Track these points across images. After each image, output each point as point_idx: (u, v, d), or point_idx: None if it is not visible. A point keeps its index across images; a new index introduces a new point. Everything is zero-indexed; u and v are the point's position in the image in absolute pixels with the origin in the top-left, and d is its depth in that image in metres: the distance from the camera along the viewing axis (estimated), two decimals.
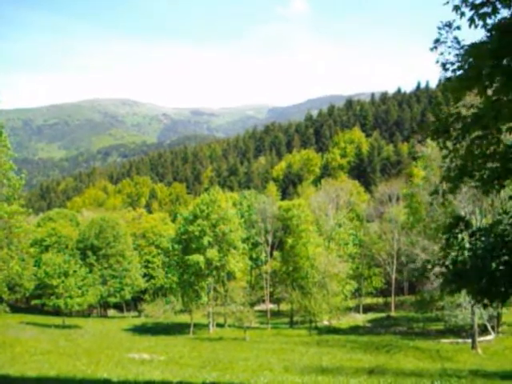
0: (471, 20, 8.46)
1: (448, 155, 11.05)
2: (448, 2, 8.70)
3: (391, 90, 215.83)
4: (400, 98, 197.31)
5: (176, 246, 73.72)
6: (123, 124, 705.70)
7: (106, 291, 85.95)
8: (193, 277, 69.73)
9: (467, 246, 12.89)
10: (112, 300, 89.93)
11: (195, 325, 69.83)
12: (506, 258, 12.02)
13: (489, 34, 8.54)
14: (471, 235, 12.73)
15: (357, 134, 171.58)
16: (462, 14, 8.59)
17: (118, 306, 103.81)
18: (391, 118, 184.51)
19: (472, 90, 9.63)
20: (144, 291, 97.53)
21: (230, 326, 72.47)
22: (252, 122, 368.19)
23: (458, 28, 9.08)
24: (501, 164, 10.41)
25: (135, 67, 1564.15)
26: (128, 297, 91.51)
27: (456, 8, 8.50)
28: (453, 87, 9.56)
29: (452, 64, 9.18)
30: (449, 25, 9.08)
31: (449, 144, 10.82)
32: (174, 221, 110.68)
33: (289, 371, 33.06)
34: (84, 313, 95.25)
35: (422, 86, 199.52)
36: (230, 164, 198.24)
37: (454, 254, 13.18)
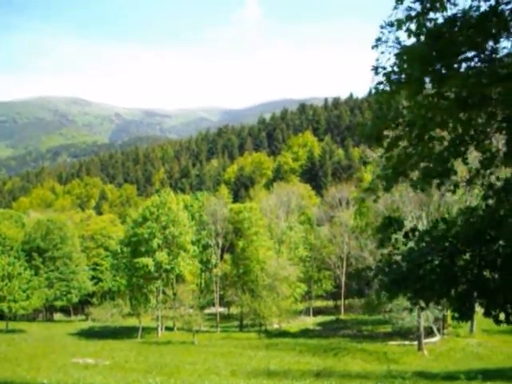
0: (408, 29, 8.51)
1: (384, 154, 11.11)
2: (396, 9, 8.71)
3: (344, 96, 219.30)
4: (352, 104, 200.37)
5: (125, 249, 72.55)
6: (74, 123, 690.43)
7: (52, 294, 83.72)
8: (141, 280, 68.86)
9: (401, 247, 13.00)
10: (58, 303, 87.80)
11: (143, 328, 68.85)
12: (439, 261, 12.22)
13: (421, 39, 8.57)
14: (405, 236, 12.82)
15: (309, 138, 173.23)
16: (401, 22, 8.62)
17: (64, 310, 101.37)
18: (343, 122, 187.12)
19: (402, 95, 9.67)
20: (92, 294, 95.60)
21: (178, 329, 71.70)
22: (205, 124, 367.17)
23: (400, 28, 9.07)
24: (436, 164, 10.51)
25: (87, 66, 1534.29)
26: (75, 300, 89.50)
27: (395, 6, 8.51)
28: (384, 92, 9.58)
29: (384, 68, 9.18)
30: (391, 24, 9.06)
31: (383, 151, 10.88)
32: (123, 223, 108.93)
33: (236, 375, 32.91)
34: (29, 317, 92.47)
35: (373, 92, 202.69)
36: (182, 166, 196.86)
37: (387, 252, 13.30)
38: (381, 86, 9.44)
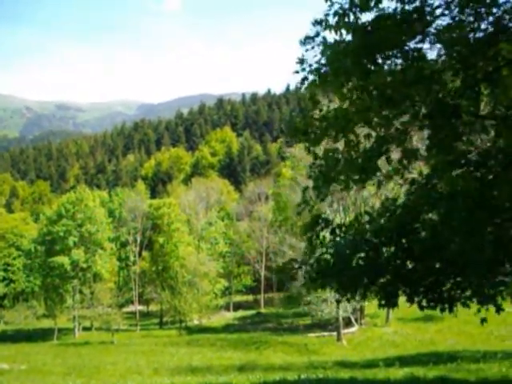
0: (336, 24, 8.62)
1: (314, 164, 11.29)
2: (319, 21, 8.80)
3: (261, 91, 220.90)
4: (270, 99, 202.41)
5: (39, 248, 69.88)
6: None
7: None
8: (57, 279, 66.55)
9: (329, 243, 13.26)
10: None
11: (60, 330, 66.61)
12: (364, 253, 12.54)
13: (349, 36, 8.71)
14: (331, 232, 13.07)
15: (227, 133, 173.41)
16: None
17: None
18: (261, 118, 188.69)
19: (327, 91, 9.80)
20: (3, 296, 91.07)
21: (97, 329, 69.84)
22: (121, 118, 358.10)
23: (329, 27, 9.17)
24: (361, 163, 10.75)
25: None
26: None
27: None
28: (309, 85, 9.68)
29: (310, 65, 9.27)
30: (319, 22, 9.14)
31: (308, 144, 11.00)
32: (36, 221, 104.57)
33: (158, 373, 32.59)
34: None
35: (292, 87, 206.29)
36: (98, 161, 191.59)
37: (318, 251, 13.53)
38: (308, 79, 9.50)
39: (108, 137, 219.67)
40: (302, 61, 9.36)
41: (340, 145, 10.74)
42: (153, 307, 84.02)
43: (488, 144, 10.72)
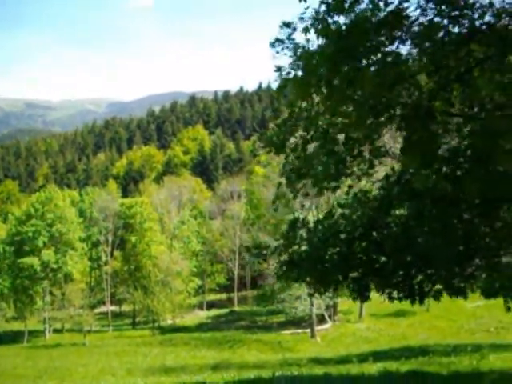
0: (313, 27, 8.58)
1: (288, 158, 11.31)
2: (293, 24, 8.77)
3: (234, 89, 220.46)
4: (242, 97, 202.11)
5: (7, 249, 68.59)
6: None
7: None
8: (27, 281, 65.49)
9: (303, 241, 13.36)
10: None
11: (30, 332, 65.62)
12: (337, 248, 12.65)
13: (324, 40, 8.68)
14: (308, 232, 13.17)
15: (200, 131, 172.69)
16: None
17: None
18: (234, 116, 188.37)
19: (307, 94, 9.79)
20: None
21: (68, 331, 68.90)
22: (91, 117, 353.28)
23: (295, 29, 9.16)
24: (334, 163, 10.79)
25: None
26: None
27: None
28: (290, 90, 9.68)
29: (288, 67, 9.26)
30: (287, 24, 9.13)
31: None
32: (5, 221, 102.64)
33: (132, 374, 32.37)
34: None
35: (264, 85, 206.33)
36: (68, 160, 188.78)
37: (294, 247, 13.62)
38: (286, 87, 9.51)
39: (78, 135, 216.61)
40: (279, 68, 9.35)
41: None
42: (125, 307, 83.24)
43: (456, 141, 10.85)
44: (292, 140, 10.68)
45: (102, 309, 79.53)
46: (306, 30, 8.62)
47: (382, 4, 7.98)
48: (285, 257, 13.49)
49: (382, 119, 9.16)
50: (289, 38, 9.18)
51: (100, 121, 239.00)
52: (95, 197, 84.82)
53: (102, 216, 77.30)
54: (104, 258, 78.54)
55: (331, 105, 9.02)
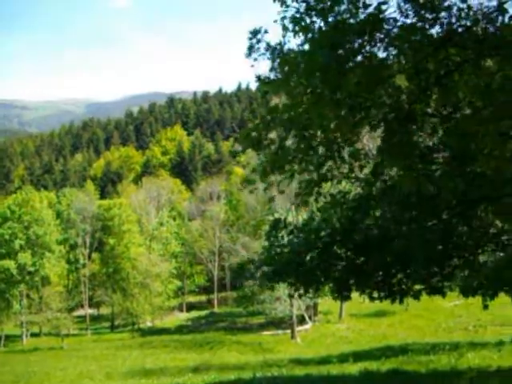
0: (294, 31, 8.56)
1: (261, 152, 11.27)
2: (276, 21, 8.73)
3: (213, 90, 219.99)
4: (221, 98, 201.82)
5: None
6: None
7: None
8: (3, 284, 64.51)
9: (285, 242, 13.41)
10: None
11: (7, 337, 64.74)
12: (318, 249, 12.70)
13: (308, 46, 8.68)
14: (289, 233, 13.22)
15: (178, 131, 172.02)
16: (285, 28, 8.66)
17: None
18: (213, 116, 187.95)
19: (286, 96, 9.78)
20: None
21: (46, 334, 68.06)
22: (69, 117, 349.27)
23: (266, 31, 9.16)
24: (315, 166, 10.80)
25: None
26: None
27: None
28: (272, 90, 9.67)
29: (268, 78, 9.25)
30: (256, 32, 9.13)
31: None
32: None
33: (111, 377, 32.10)
34: None
35: (243, 86, 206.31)
36: (45, 161, 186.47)
37: (274, 250, 13.66)
38: (269, 93, 9.52)
39: (55, 136, 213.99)
40: (258, 78, 9.34)
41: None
42: (104, 310, 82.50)
43: (432, 141, 10.94)
44: (270, 135, 10.64)
45: (80, 312, 78.79)
46: (284, 29, 8.60)
47: (361, 6, 8.01)
48: (268, 268, 13.51)
49: (362, 120, 9.19)
50: (264, 43, 9.16)
51: (78, 121, 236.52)
52: (73, 198, 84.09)
53: (80, 218, 76.62)
54: (82, 261, 77.83)
55: (313, 107, 9.01)
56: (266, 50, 9.12)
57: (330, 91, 8.48)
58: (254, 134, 10.36)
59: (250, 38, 9.10)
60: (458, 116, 9.31)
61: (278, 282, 14.07)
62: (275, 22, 8.68)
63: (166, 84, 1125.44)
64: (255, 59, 9.23)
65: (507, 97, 7.93)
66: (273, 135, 10.65)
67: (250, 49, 9.23)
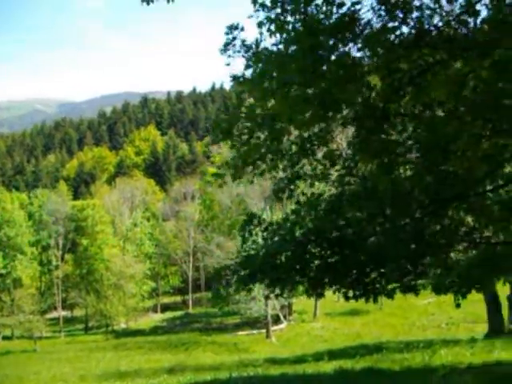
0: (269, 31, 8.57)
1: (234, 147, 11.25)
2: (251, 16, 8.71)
3: (187, 90, 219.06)
4: (195, 98, 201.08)
5: None
6: None
7: None
8: None
9: (260, 241, 13.43)
10: None
11: None
12: (292, 249, 12.75)
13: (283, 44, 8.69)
14: (264, 230, 13.22)
15: (152, 132, 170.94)
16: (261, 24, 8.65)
17: None
18: (187, 116, 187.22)
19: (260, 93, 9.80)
20: None
21: (18, 337, 67.06)
22: (41, 117, 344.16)
23: (242, 29, 9.16)
24: (288, 165, 10.84)
25: None
26: None
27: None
28: (246, 88, 9.67)
29: (243, 76, 9.25)
30: (233, 28, 9.11)
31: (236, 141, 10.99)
32: None
33: (85, 380, 31.81)
34: None
35: (217, 86, 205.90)
36: (16, 162, 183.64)
37: (248, 252, 13.66)
38: (244, 92, 9.52)
39: (27, 136, 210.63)
40: (234, 77, 9.34)
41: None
42: (77, 312, 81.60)
43: (402, 138, 11.01)
44: (240, 125, 10.59)
45: (54, 314, 77.83)
46: (260, 25, 8.59)
47: (335, 6, 8.04)
48: (244, 272, 13.51)
49: (333, 116, 9.24)
50: (239, 40, 9.14)
51: (50, 121, 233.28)
52: (45, 199, 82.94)
53: (53, 219, 75.68)
54: (54, 262, 76.85)
55: (283, 101, 9.03)
56: (241, 47, 9.11)
57: (302, 88, 8.52)
58: (224, 124, 10.35)
59: (227, 33, 9.06)
60: (430, 116, 9.42)
61: (253, 285, 14.09)
62: (250, 17, 8.66)
63: (139, 84, 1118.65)
64: (229, 56, 9.22)
65: (480, 98, 8.05)
66: (243, 126, 10.61)
67: (226, 45, 9.21)
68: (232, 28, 9.10)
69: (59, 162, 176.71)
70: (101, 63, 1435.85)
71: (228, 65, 9.31)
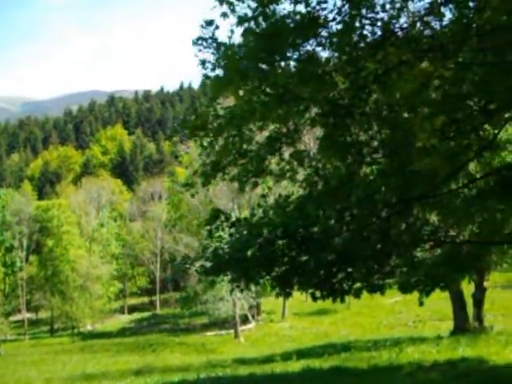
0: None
1: (204, 151, 11.22)
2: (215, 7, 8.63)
3: (155, 89, 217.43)
4: (163, 97, 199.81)
5: None
6: None
7: None
8: None
9: (226, 237, 13.40)
10: None
11: None
12: (259, 246, 12.75)
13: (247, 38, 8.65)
14: (231, 226, 13.20)
15: (119, 131, 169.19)
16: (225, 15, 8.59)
17: None
18: (154, 116, 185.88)
19: (227, 90, 9.76)
20: None
21: None
22: (4, 116, 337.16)
23: (217, 27, 9.10)
24: (254, 161, 10.82)
25: None
26: None
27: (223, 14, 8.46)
28: (211, 85, 9.64)
29: (210, 63, 9.19)
30: (210, 23, 9.05)
31: (206, 141, 10.94)
32: None
33: (51, 383, 31.35)
34: None
35: (185, 86, 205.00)
36: None
37: (214, 245, 13.63)
38: (210, 78, 9.44)
39: None
40: (206, 76, 9.28)
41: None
42: (42, 314, 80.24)
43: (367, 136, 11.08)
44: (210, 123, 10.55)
45: (18, 316, 76.41)
46: (224, 15, 8.53)
47: (300, 5, 8.04)
48: (209, 258, 13.47)
49: (297, 113, 9.26)
50: (211, 37, 9.08)
51: (14, 120, 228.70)
52: (8, 199, 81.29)
53: (16, 219, 74.30)
54: (19, 264, 75.44)
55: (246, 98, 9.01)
56: (212, 43, 9.05)
57: (260, 83, 8.52)
58: (197, 122, 10.29)
59: (203, 27, 8.98)
60: (394, 116, 9.50)
61: (217, 276, 14.06)
62: (214, 8, 8.59)
63: (106, 83, 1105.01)
64: (200, 50, 9.17)
65: (443, 97, 8.13)
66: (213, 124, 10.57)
67: (198, 40, 9.14)
68: (208, 23, 9.04)
69: (23, 161, 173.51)
70: (66, 61, 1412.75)
71: (203, 65, 9.22)
